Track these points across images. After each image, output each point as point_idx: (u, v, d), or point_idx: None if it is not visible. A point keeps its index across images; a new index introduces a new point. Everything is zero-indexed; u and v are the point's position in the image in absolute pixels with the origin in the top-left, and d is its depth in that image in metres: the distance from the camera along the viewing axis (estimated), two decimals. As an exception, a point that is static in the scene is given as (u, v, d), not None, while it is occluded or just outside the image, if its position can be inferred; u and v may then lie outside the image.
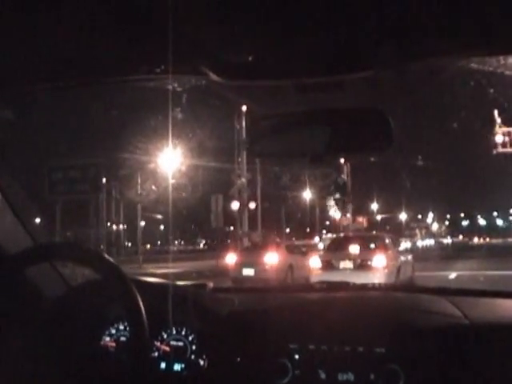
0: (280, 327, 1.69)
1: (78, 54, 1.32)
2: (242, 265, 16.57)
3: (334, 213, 38.87)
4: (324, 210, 41.45)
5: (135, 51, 1.30)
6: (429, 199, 75.18)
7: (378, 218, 71.62)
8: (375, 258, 13.85)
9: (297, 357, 1.60)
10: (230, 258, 17.56)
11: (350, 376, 1.54)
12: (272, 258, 16.71)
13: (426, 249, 48.53)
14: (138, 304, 1.42)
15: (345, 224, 37.09)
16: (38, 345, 1.60)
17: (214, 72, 1.31)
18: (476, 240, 69.98)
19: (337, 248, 15.15)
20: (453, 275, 17.14)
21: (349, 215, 37.84)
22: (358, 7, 1.12)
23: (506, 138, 24.15)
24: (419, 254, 29.02)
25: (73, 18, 1.18)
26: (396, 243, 16.79)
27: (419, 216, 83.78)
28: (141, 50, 1.29)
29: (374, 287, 2.38)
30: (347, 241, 15.72)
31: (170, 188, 31.89)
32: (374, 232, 20.83)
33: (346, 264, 14.02)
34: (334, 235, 27.14)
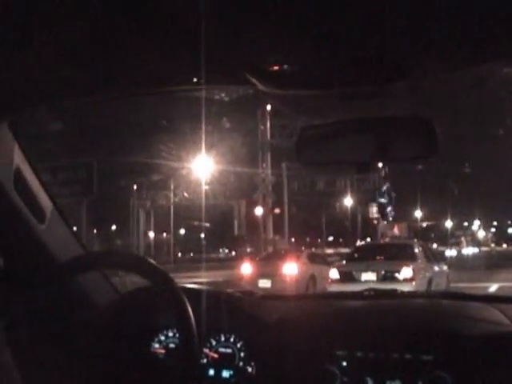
0: (327, 334, 1.70)
1: (128, 67, 1.35)
2: (258, 276, 15.30)
3: (375, 220, 37.30)
4: (365, 217, 39.74)
5: (186, 63, 1.31)
6: (475, 206, 75.31)
7: (423, 225, 70.33)
8: (401, 269, 12.37)
9: (344, 364, 1.60)
10: (246, 268, 16.29)
11: (398, 383, 1.55)
12: (291, 269, 15.39)
13: (467, 258, 46.23)
14: (188, 311, 1.42)
15: (384, 231, 35.48)
16: (88, 351, 1.62)
17: (260, 82, 1.33)
18: None
19: (359, 258, 13.71)
20: (494, 287, 15.65)
21: (386, 222, 36.24)
22: (401, 17, 1.12)
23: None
24: (457, 263, 27.50)
25: (118, 31, 1.19)
26: (428, 251, 15.04)
27: (465, 223, 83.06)
28: (191, 61, 1.26)
29: (421, 295, 2.46)
30: (371, 250, 14.25)
31: (203, 194, 30.99)
32: (403, 240, 18.47)
33: (369, 276, 12.61)
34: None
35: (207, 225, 36.43)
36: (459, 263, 32.19)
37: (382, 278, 12.40)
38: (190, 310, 1.42)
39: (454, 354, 1.54)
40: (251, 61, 1.28)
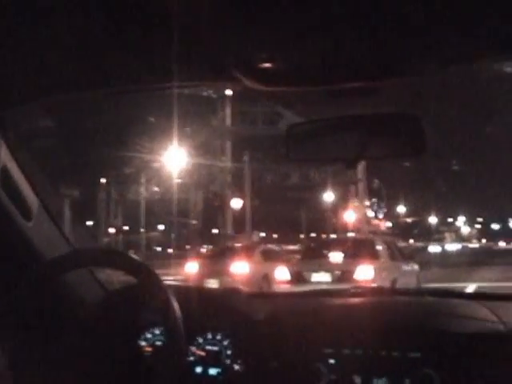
0: (314, 332, 1.69)
1: (118, 63, 1.37)
2: (204, 275, 13.50)
3: (350, 215, 35.78)
4: (341, 212, 38.14)
5: (174, 59, 1.30)
6: (460, 202, 76.08)
7: (406, 221, 69.77)
8: (359, 268, 10.65)
9: (332, 361, 1.61)
10: (191, 267, 14.49)
11: (385, 381, 1.55)
12: (241, 268, 13.59)
13: (449, 254, 44.85)
14: (174, 309, 1.44)
15: (360, 227, 33.85)
16: (74, 349, 1.63)
17: (248, 79, 1.34)
18: (503, 244, 66.42)
19: (313, 255, 11.96)
20: (470, 288, 13.97)
21: (362, 216, 34.67)
22: (391, 13, 1.13)
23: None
24: (434, 260, 26.11)
25: (106, 28, 1.21)
26: (394, 248, 13.19)
27: (450, 219, 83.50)
28: (179, 58, 1.29)
29: (408, 292, 2.43)
30: (327, 247, 12.39)
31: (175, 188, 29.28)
32: (362, 235, 15.86)
33: (322, 276, 10.95)
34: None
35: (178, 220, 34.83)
36: (437, 260, 30.97)
37: (337, 279, 10.70)
38: (176, 307, 1.44)
39: (442, 352, 1.54)
40: (239, 58, 1.29)
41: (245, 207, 22.85)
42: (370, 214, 37.86)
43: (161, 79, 1.45)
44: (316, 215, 40.68)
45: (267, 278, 13.49)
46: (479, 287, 14.21)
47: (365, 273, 10.65)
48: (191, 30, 1.14)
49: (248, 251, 14.95)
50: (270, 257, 14.86)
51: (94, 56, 1.31)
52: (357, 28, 1.16)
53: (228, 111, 19.88)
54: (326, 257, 11.56)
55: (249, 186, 22.75)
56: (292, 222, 38.06)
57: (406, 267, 12.57)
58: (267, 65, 1.28)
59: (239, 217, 23.25)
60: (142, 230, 36.27)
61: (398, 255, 12.75)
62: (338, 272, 10.89)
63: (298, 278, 11.01)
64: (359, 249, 12.02)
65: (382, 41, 1.20)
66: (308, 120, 1.64)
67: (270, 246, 17.60)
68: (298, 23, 1.14)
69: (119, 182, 35.18)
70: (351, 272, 10.72)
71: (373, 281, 10.43)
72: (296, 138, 1.58)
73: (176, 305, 1.44)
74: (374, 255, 11.61)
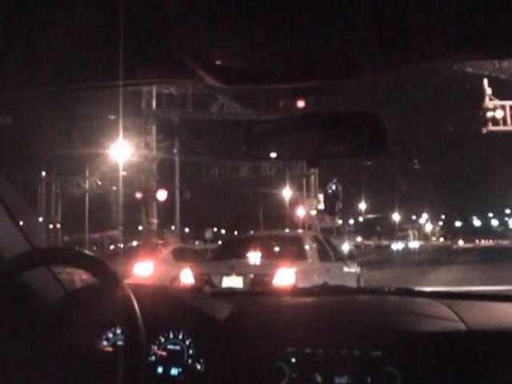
0: (276, 331, 1.70)
1: (77, 60, 1.36)
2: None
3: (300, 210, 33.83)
4: (292, 208, 36.02)
5: (135, 57, 1.31)
6: (424, 200, 77.19)
7: (367, 218, 69.03)
8: (279, 271, 8.43)
9: (293, 360, 1.61)
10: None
11: (347, 379, 1.56)
12: (145, 269, 11.27)
13: (404, 253, 43.44)
14: (134, 308, 1.41)
15: (312, 222, 31.80)
16: (34, 349, 1.58)
17: (211, 76, 1.34)
18: (461, 243, 66.11)
19: (225, 256, 9.64)
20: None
21: (314, 212, 32.61)
22: (352, 13, 1.13)
23: (498, 114, 18.61)
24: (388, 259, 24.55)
25: (67, 25, 1.20)
26: (325, 246, 10.87)
27: (413, 217, 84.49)
28: (141, 55, 1.31)
29: (369, 291, 2.41)
30: (244, 245, 10.00)
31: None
32: (289, 230, 12.90)
33: (233, 281, 8.70)
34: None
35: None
36: (394, 259, 29.63)
37: (251, 284, 8.48)
38: (136, 307, 1.41)
39: (403, 350, 1.55)
40: (199, 56, 1.28)
41: (175, 201, 20.52)
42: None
43: (122, 77, 1.39)
44: (267, 210, 38.68)
45: (178, 281, 11.16)
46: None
47: (285, 277, 8.42)
48: (152, 28, 1.16)
49: (157, 250, 12.60)
50: (183, 257, 12.43)
51: (54, 54, 1.28)
52: (317, 26, 1.15)
53: (153, 92, 17.63)
54: (242, 257, 9.28)
55: (178, 177, 20.30)
56: (240, 218, 35.79)
57: (343, 269, 10.33)
58: (228, 63, 1.28)
59: (174, 211, 20.93)
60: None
61: (332, 255, 10.50)
62: (253, 276, 8.63)
63: (204, 282, 8.71)
64: (284, 248, 9.92)
65: (342, 39, 1.20)
66: (268, 118, 1.64)
67: (184, 244, 15.22)
68: (257, 22, 1.14)
69: (62, 176, 33.14)
70: (270, 276, 8.48)
71: (295, 286, 8.16)
72: (256, 136, 1.58)
73: (136, 304, 1.40)
74: (299, 255, 9.43)
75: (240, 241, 11.23)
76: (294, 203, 34.49)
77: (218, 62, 1.27)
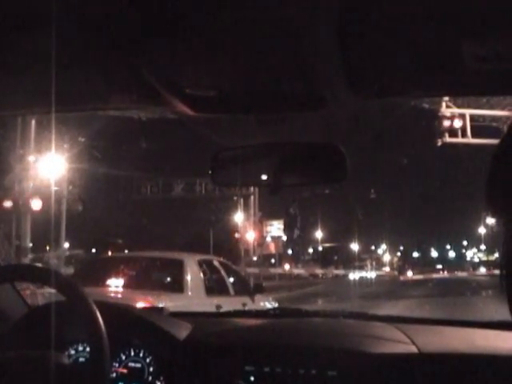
0: (236, 350, 1.73)
1: (45, 85, 1.27)
2: None
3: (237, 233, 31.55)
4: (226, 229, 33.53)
5: (104, 82, 1.31)
6: (383, 230, 76.92)
7: (325, 247, 67.34)
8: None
9: (252, 379, 1.63)
10: None
11: None
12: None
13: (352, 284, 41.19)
14: (101, 326, 1.41)
15: (250, 249, 29.31)
16: None
17: (181, 104, 1.34)
18: (411, 274, 64.31)
19: (80, 280, 6.79)
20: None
21: (251, 235, 30.08)
22: (314, 47, 1.13)
23: (456, 124, 16.35)
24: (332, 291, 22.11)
25: (33, 50, 1.17)
26: (219, 274, 7.92)
27: (372, 247, 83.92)
28: (113, 81, 1.31)
29: (327, 314, 2.40)
30: (107, 268, 7.27)
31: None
32: (171, 252, 9.94)
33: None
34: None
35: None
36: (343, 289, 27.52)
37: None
38: (102, 324, 1.41)
39: (358, 371, 1.59)
40: (170, 83, 1.28)
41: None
42: (277, 233, 33.69)
43: (90, 102, 1.44)
44: (199, 232, 36.01)
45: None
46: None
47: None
48: (122, 55, 1.15)
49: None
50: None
51: (12, 78, 1.27)
52: (286, 60, 1.16)
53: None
54: (99, 285, 6.52)
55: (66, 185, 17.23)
56: (171, 240, 32.88)
57: (245, 306, 7.45)
58: (198, 91, 1.29)
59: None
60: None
61: (230, 287, 7.73)
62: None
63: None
64: (157, 275, 7.74)
65: (306, 73, 1.21)
66: (233, 146, 1.65)
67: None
68: (228, 51, 1.15)
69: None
70: None
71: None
72: (221, 163, 1.61)
73: (101, 321, 1.40)
74: (174, 286, 7.11)
75: (104, 263, 8.42)
76: (231, 226, 32.13)
77: (187, 91, 1.27)
